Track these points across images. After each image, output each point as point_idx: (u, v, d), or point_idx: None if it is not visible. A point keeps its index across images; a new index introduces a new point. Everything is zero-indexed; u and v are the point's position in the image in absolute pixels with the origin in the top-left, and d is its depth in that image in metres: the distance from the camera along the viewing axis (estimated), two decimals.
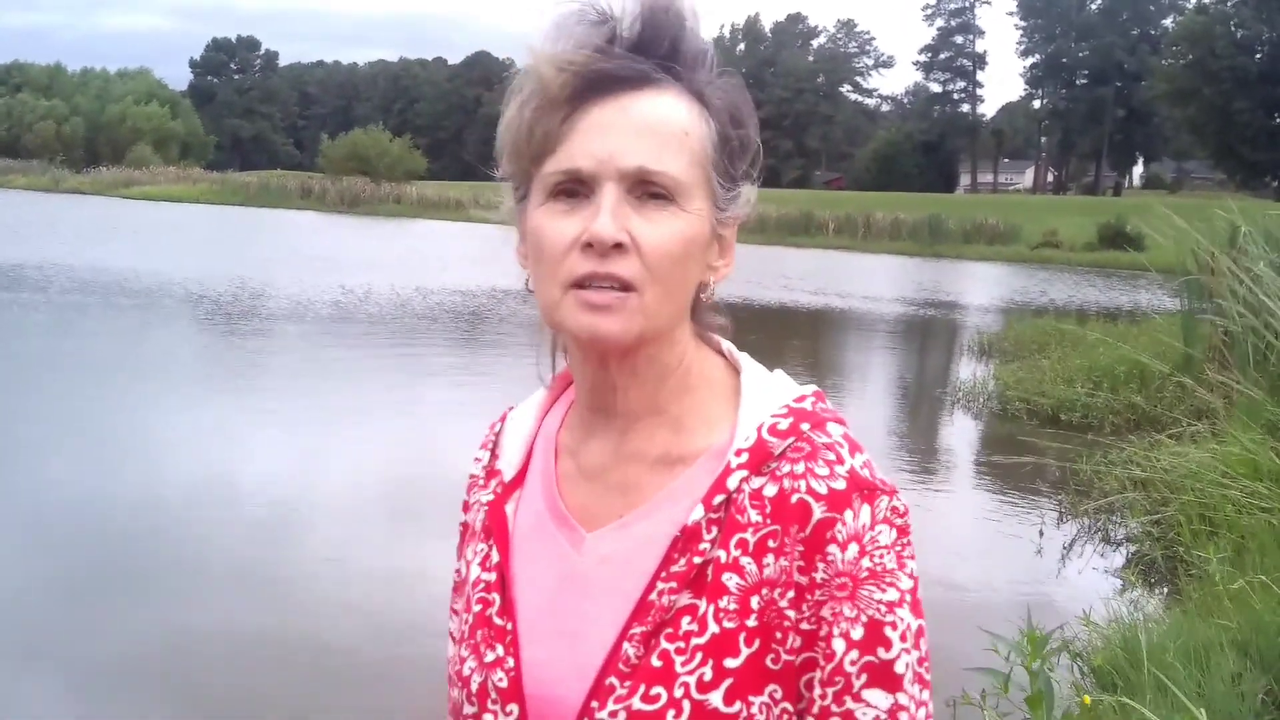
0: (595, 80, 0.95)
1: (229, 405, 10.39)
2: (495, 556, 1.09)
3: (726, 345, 1.10)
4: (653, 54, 0.98)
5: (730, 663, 0.95)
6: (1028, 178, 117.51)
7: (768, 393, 1.04)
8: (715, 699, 0.94)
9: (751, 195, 1.05)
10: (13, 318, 14.91)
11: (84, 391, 10.46)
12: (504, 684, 1.03)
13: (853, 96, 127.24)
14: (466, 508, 1.18)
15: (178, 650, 4.98)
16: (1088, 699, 3.68)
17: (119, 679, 4.75)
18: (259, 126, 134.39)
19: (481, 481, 1.16)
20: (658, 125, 0.97)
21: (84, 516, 6.85)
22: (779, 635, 0.96)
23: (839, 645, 0.95)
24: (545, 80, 0.96)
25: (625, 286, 0.96)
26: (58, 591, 5.69)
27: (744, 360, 1.08)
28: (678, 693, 0.95)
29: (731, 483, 0.98)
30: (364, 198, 60.78)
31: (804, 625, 0.95)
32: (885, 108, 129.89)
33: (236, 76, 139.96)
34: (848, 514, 0.95)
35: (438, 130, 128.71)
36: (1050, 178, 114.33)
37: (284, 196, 61.98)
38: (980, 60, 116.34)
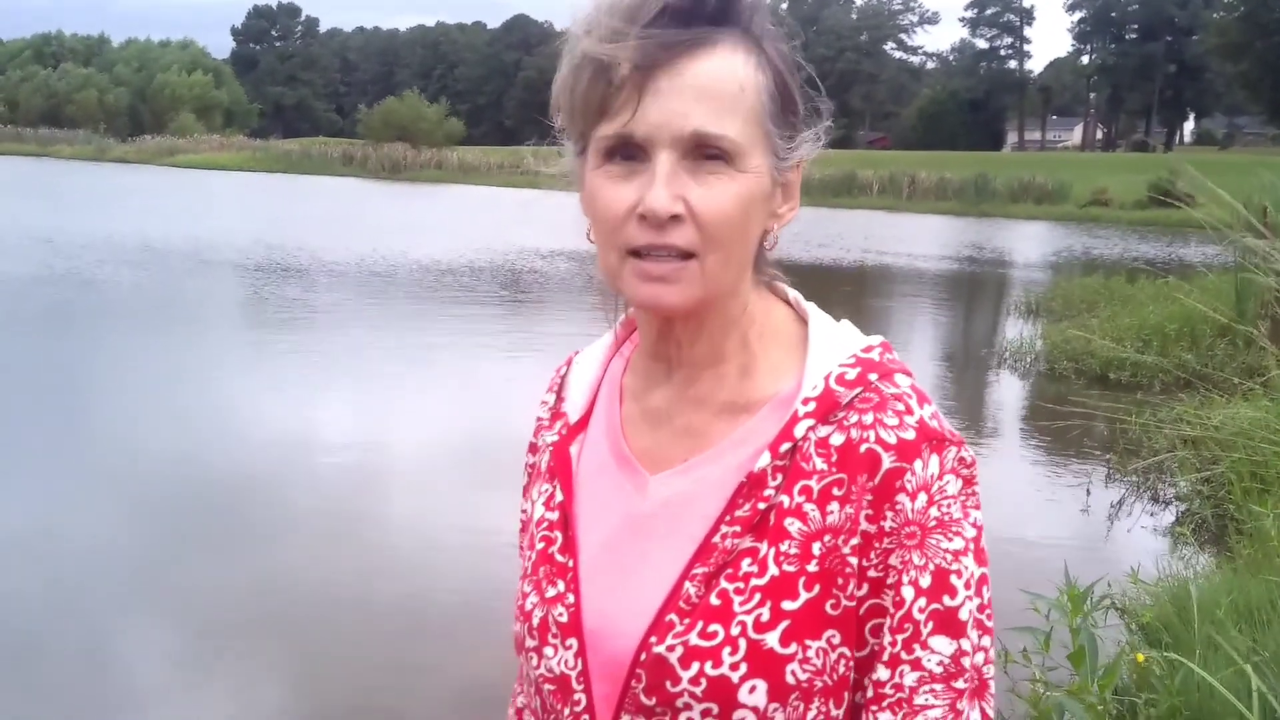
0: (649, 46, 0.94)
1: (305, 362, 10.53)
2: (559, 496, 1.11)
3: (793, 294, 1.10)
4: (704, 13, 0.96)
5: (788, 605, 0.96)
6: (1076, 135, 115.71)
7: (835, 342, 1.04)
8: (771, 639, 0.96)
9: (815, 135, 1.04)
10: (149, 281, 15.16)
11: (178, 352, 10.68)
12: (564, 619, 1.05)
13: (897, 54, 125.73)
14: (534, 450, 1.21)
15: (273, 600, 5.18)
16: (1141, 656, 3.65)
17: (220, 628, 4.91)
18: (301, 94, 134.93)
19: (547, 423, 1.19)
20: (712, 87, 0.95)
21: (169, 469, 7.15)
22: (840, 581, 0.96)
23: (908, 593, 0.95)
24: (599, 47, 0.94)
25: (684, 255, 0.96)
26: (154, 542, 5.95)
27: (811, 309, 1.09)
28: (734, 631, 0.96)
29: (799, 431, 0.99)
30: (405, 164, 60.93)
31: (871, 573, 0.96)
32: (930, 65, 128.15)
33: (278, 44, 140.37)
34: (917, 464, 0.97)
35: (478, 95, 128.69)
36: (1099, 135, 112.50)
37: (326, 164, 62.30)
38: (1027, 15, 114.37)
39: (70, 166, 58.36)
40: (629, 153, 0.96)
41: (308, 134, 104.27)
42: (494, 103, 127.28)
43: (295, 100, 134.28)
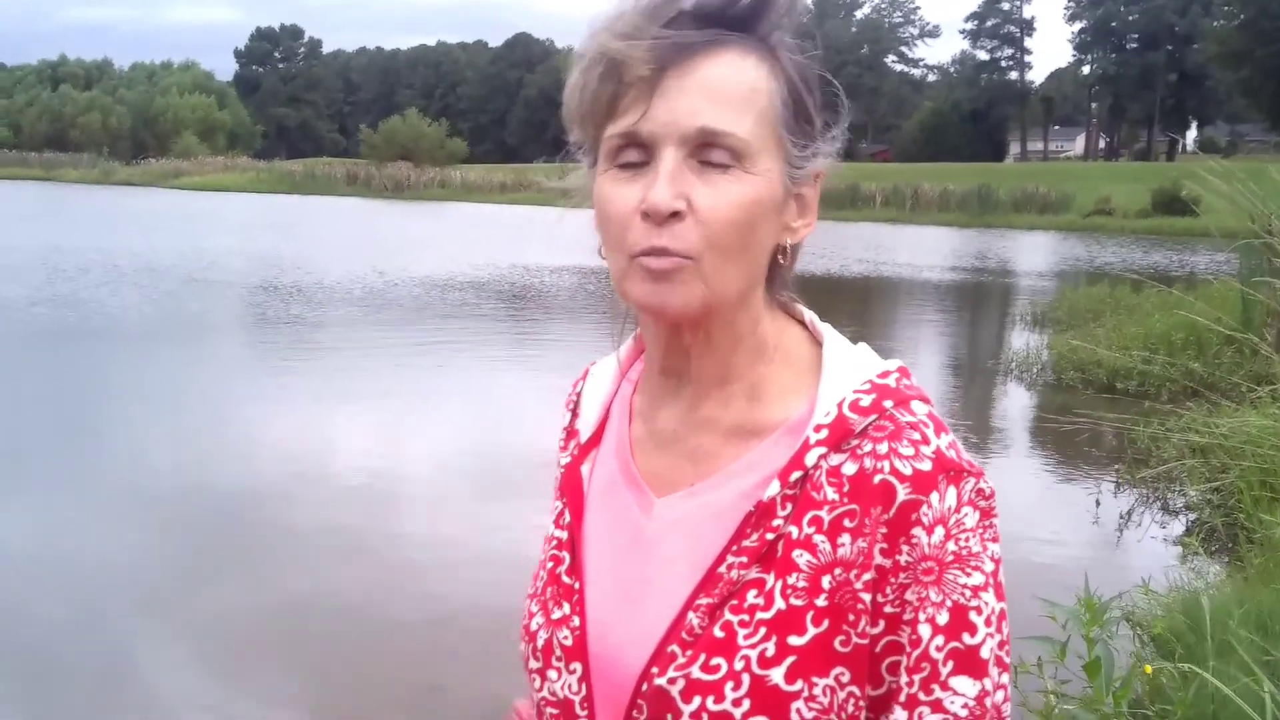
0: (663, 46, 0.93)
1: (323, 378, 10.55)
2: (568, 516, 1.10)
3: (809, 315, 1.07)
4: (723, 18, 0.95)
5: (795, 640, 0.93)
6: (1078, 145, 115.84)
7: (850, 367, 1.01)
8: (776, 675, 0.92)
9: (832, 149, 1.02)
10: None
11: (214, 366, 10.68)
12: (569, 642, 1.04)
13: (898, 67, 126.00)
14: (559, 466, 1.20)
15: (292, 621, 5.17)
16: (1149, 668, 3.63)
17: (241, 648, 4.90)
18: (304, 114, 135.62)
19: (563, 442, 1.17)
20: (721, 86, 0.94)
21: (185, 486, 7.16)
22: (851, 617, 0.93)
23: (925, 630, 0.92)
24: (609, 46, 0.94)
25: (686, 255, 0.94)
26: (171, 561, 5.96)
27: (826, 331, 1.05)
28: (738, 665, 0.93)
29: (810, 459, 0.96)
30: (408, 183, 61.18)
31: (887, 609, 0.93)
32: (931, 77, 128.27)
33: (281, 65, 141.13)
34: (934, 496, 0.93)
35: (480, 114, 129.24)
36: (1102, 144, 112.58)
37: (330, 183, 62.62)
38: (1028, 26, 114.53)
39: (77, 190, 58.62)
40: (635, 154, 0.95)
41: (311, 154, 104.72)
42: (496, 121, 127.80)
43: (298, 121, 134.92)
